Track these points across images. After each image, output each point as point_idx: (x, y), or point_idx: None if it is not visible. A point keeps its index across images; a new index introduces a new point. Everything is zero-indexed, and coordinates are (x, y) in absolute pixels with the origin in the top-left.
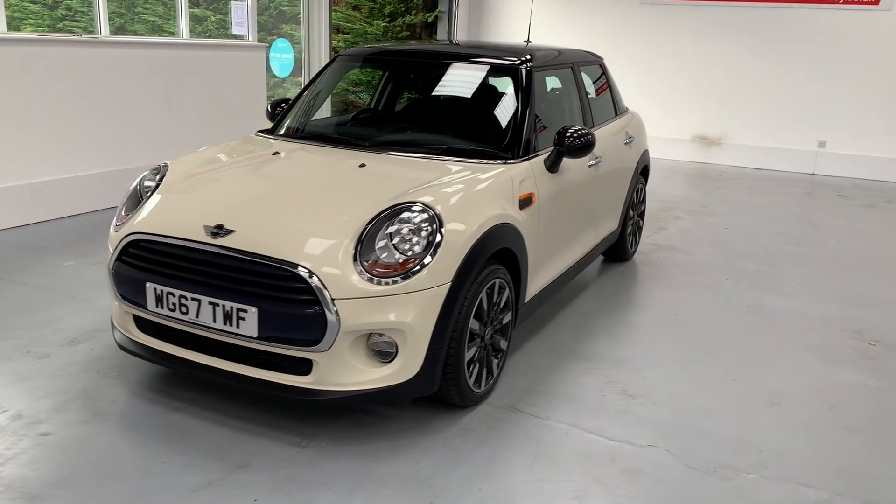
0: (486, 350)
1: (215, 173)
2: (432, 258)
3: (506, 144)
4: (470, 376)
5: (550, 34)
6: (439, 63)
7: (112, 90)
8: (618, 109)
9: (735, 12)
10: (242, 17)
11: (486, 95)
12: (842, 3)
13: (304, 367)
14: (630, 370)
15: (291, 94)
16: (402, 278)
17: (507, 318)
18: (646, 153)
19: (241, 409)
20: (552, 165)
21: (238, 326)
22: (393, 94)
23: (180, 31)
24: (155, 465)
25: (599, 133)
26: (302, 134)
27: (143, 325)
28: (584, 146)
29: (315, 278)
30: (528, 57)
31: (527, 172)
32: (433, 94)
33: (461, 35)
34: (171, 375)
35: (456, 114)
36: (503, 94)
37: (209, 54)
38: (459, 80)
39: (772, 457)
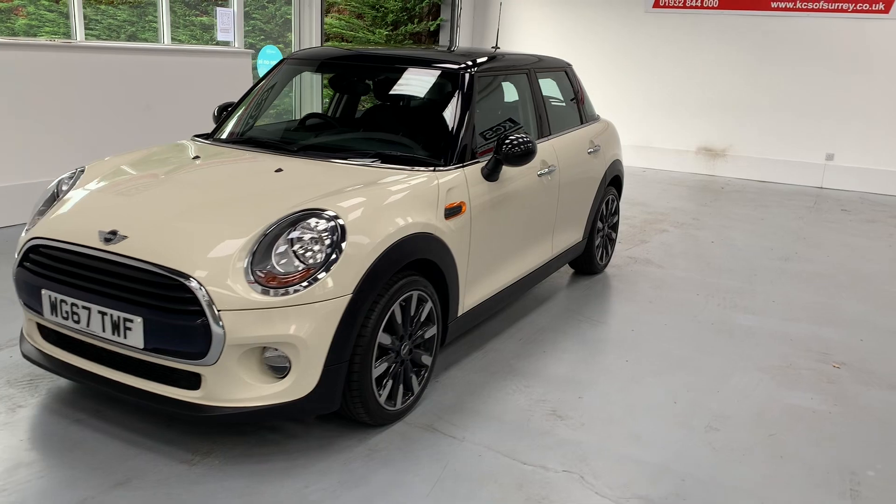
0: (402, 366)
1: (127, 177)
2: (329, 269)
3: (438, 151)
4: (381, 393)
5: (555, 43)
6: (381, 68)
7: (87, 95)
8: (584, 118)
9: (742, 21)
10: (228, 24)
11: (425, 101)
12: (851, 13)
13: (193, 381)
14: (567, 389)
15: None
16: (295, 290)
17: (431, 332)
18: (616, 163)
19: (141, 422)
20: (490, 174)
21: (125, 337)
22: (340, 99)
23: (161, 37)
24: (34, 479)
25: (557, 142)
26: (235, 138)
27: (46, 333)
28: (523, 154)
29: (200, 288)
30: (471, 62)
31: (458, 180)
32: (375, 99)
33: (464, 43)
34: (83, 386)
35: (394, 119)
36: (442, 99)
37: (193, 60)
38: (400, 85)
39: (693, 487)
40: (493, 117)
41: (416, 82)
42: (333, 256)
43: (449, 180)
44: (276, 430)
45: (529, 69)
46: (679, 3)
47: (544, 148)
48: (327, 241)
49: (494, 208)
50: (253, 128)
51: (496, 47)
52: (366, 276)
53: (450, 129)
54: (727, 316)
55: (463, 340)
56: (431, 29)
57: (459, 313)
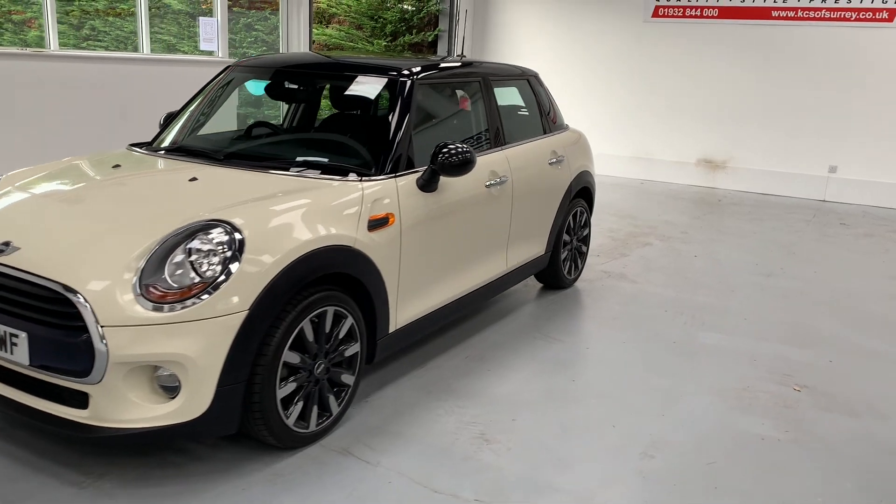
0: (317, 385)
1: (38, 187)
2: (224, 284)
3: (369, 160)
4: (288, 415)
5: (552, 53)
6: (322, 76)
7: (60, 105)
8: (548, 128)
9: (743, 30)
10: (212, 34)
11: (363, 109)
12: (854, 21)
13: (81, 399)
14: (502, 410)
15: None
16: (185, 306)
17: (353, 349)
18: (584, 175)
19: (40, 440)
20: (426, 184)
21: (11, 353)
22: (292, 109)
23: (142, 47)
24: None
25: (512, 152)
26: (170, 147)
27: None
28: (460, 164)
29: (84, 303)
30: (411, 70)
31: (387, 191)
32: (315, 107)
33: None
34: None
35: (337, 128)
36: (380, 108)
37: (173, 69)
38: (341, 94)
39: None
40: (439, 126)
41: (356, 90)
42: (229, 270)
43: (376, 191)
44: (180, 452)
45: (483, 78)
46: (678, 12)
47: (495, 158)
48: (223, 255)
49: (432, 220)
50: (191, 136)
51: (462, 55)
52: (266, 291)
53: (384, 138)
54: (692, 334)
55: (406, 357)
56: (430, 39)
57: (392, 329)
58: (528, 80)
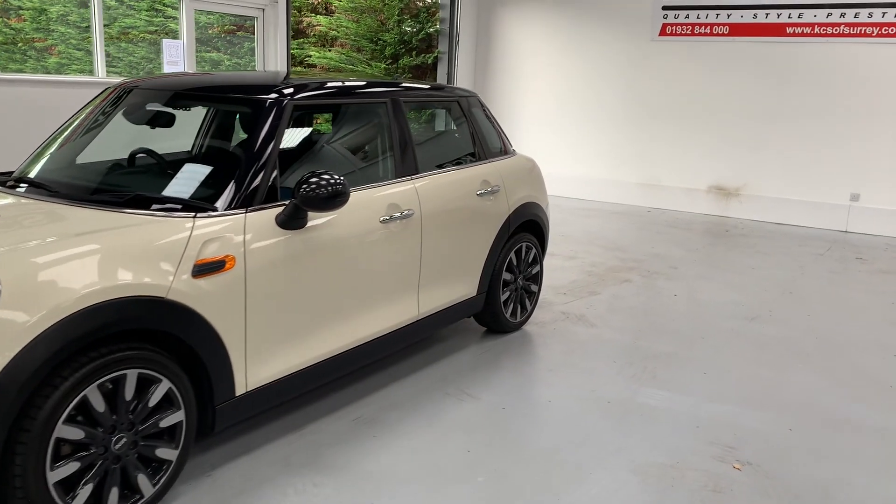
0: (118, 463)
1: None
2: None
3: (214, 193)
4: (71, 499)
5: (554, 74)
6: (181, 97)
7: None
8: (483, 154)
9: (756, 48)
10: (177, 56)
11: (220, 135)
12: (876, 37)
13: None
14: (365, 491)
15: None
16: None
17: (174, 418)
18: (530, 207)
19: None
20: (288, 220)
21: None
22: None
23: (96, 71)
24: None
25: (424, 182)
26: (17, 177)
27: None
28: (328, 197)
29: None
30: (280, 90)
31: (228, 229)
32: (204, 132)
33: (463, 76)
34: None
35: (204, 155)
36: (243, 133)
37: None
38: (210, 117)
39: None
40: (321, 154)
41: (222, 113)
42: None
43: (213, 230)
44: None
45: (392, 100)
46: (687, 30)
47: (399, 190)
48: None
49: (297, 262)
50: (50, 166)
51: (399, 76)
52: (22, 355)
53: (235, 167)
54: (634, 392)
55: (280, 420)
56: (429, 62)
57: (240, 393)
58: (458, 103)
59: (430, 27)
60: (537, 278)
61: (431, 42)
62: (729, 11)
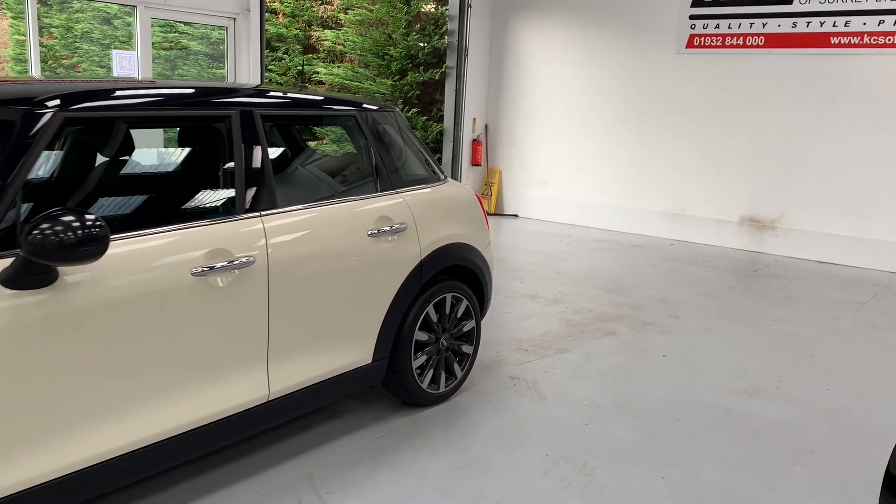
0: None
1: None
2: None
3: None
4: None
5: (572, 90)
6: None
7: None
8: (390, 183)
9: (795, 62)
10: (130, 67)
11: None
12: None
13: None
14: None
15: None
16: None
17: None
18: (454, 249)
19: None
20: (16, 277)
21: None
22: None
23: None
24: None
25: (276, 219)
26: None
27: None
28: (74, 244)
29: None
30: (46, 101)
31: None
32: None
33: (473, 92)
34: None
35: None
36: None
37: None
38: None
39: None
40: (113, 186)
41: None
42: None
43: None
44: None
45: (242, 112)
46: (717, 41)
47: (234, 230)
48: None
49: (36, 335)
50: None
51: (302, 84)
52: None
53: None
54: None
55: None
56: (436, 78)
57: None
58: (355, 119)
59: (437, 41)
60: (471, 337)
61: (441, 57)
62: (764, 20)
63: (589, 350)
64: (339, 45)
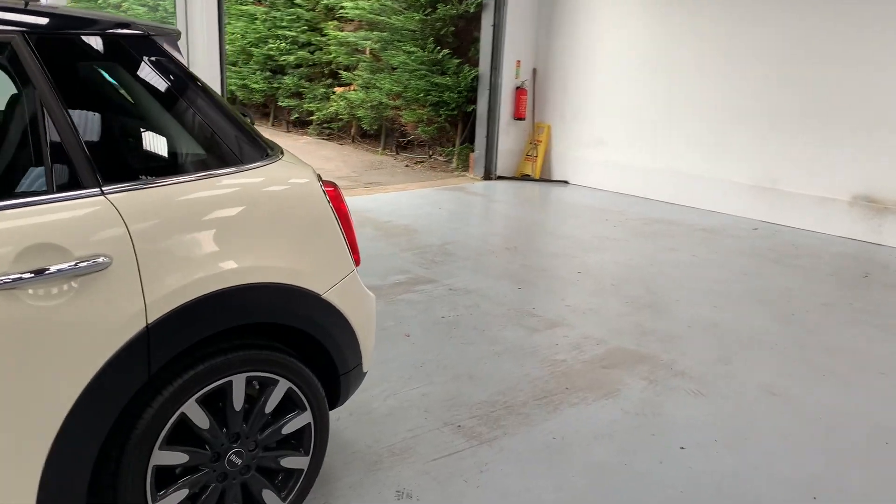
0: None
1: None
2: None
3: None
4: None
5: (647, 22)
6: None
7: None
8: (88, 174)
9: None
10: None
11: None
12: None
13: None
14: None
15: None
16: None
17: None
18: (248, 296)
19: None
20: None
21: None
22: None
23: None
24: None
25: None
26: None
27: None
28: None
29: None
30: None
31: None
32: None
33: (515, 33)
34: None
35: None
36: None
37: None
38: None
39: None
40: None
41: None
42: None
43: None
44: None
45: None
46: None
47: None
48: None
49: None
50: None
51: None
52: None
53: None
54: None
55: None
56: (471, 11)
57: None
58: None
59: None
60: (304, 440)
61: None
62: None
63: (560, 432)
64: None
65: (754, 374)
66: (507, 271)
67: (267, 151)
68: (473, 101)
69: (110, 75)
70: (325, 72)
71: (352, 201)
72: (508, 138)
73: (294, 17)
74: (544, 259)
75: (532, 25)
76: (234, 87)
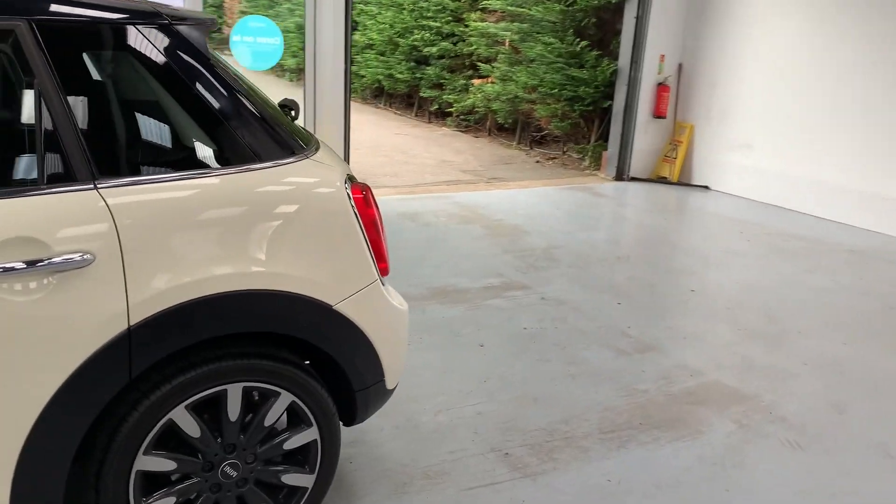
0: None
1: None
2: None
3: None
4: None
5: (810, 16)
6: None
7: None
8: (84, 166)
9: None
10: None
11: None
12: None
13: None
14: None
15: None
16: None
17: None
18: (245, 302)
19: None
20: None
21: None
22: None
23: None
24: None
25: None
26: None
27: None
28: None
29: None
30: None
31: None
32: None
33: (661, 26)
34: None
35: None
36: None
37: None
38: None
39: None
40: None
41: None
42: None
43: None
44: None
45: None
46: None
47: None
48: None
49: None
50: None
51: None
52: None
53: None
54: None
55: None
56: (613, 1)
57: None
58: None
59: None
60: (309, 457)
61: None
62: None
63: (619, 474)
64: None
65: (871, 428)
66: (611, 283)
67: (294, 150)
68: (611, 96)
69: (119, 66)
70: (466, 63)
71: (468, 197)
72: (646, 137)
73: (440, 6)
74: (657, 273)
75: (679, 17)
76: (380, 77)
